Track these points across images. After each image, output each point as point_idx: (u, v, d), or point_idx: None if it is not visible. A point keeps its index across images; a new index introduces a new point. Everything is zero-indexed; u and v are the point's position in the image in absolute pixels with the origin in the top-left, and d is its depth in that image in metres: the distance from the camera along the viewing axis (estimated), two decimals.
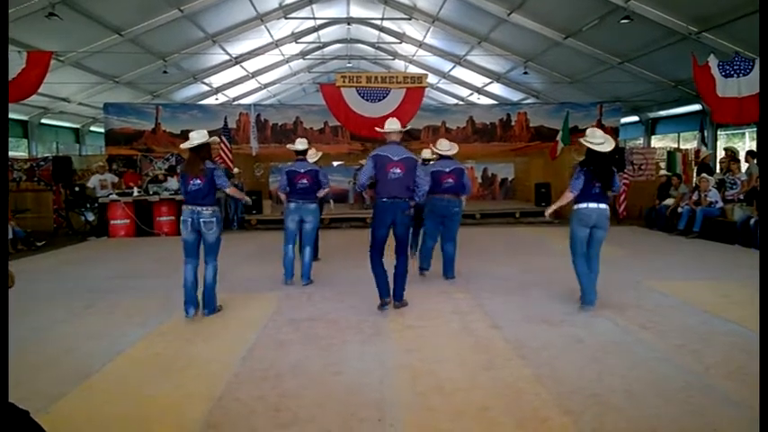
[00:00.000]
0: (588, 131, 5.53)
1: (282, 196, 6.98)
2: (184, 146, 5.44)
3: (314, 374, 3.89)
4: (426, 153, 8.53)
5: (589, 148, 5.36)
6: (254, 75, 22.08)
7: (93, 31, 12.86)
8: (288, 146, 7.40)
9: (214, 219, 5.31)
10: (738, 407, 3.32)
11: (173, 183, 12.78)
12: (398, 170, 5.32)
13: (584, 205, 5.41)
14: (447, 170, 6.84)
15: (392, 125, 5.55)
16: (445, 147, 7.14)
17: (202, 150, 5.40)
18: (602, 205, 5.40)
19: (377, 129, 5.75)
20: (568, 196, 5.47)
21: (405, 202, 5.41)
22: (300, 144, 7.03)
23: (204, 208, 5.26)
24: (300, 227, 6.83)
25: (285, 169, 6.89)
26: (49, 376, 3.89)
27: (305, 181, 6.74)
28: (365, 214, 13.42)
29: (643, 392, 3.52)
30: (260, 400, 3.48)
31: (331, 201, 6.89)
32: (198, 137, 5.37)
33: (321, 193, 6.98)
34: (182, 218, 5.32)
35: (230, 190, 5.88)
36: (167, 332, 4.94)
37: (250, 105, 17.64)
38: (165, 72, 16.86)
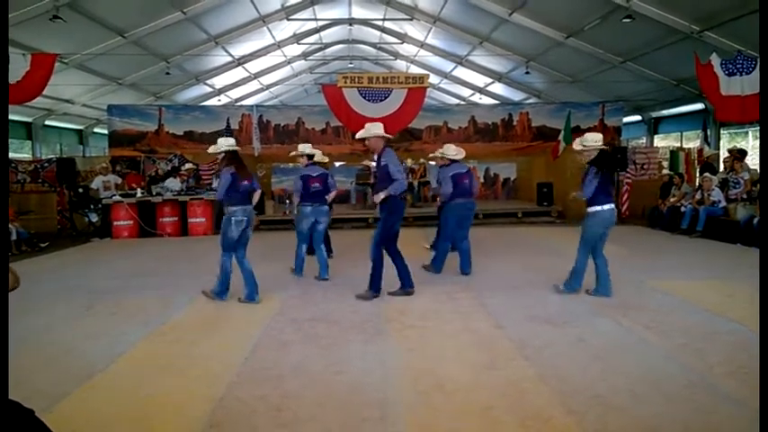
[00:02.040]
0: (580, 139, 5.96)
1: (296, 199, 7.32)
2: (231, 147, 5.95)
3: (315, 374, 3.89)
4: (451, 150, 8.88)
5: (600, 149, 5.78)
6: (257, 76, 22.12)
7: (96, 33, 12.90)
8: (299, 151, 7.46)
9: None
10: (740, 405, 3.31)
11: (174, 183, 12.81)
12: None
13: (607, 207, 5.77)
14: (464, 172, 7.22)
15: (375, 128, 5.92)
16: (452, 152, 7.31)
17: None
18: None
19: (359, 134, 6.05)
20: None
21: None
22: (309, 149, 7.34)
23: (251, 205, 5.95)
24: (313, 227, 7.12)
25: (300, 174, 7.18)
26: (52, 376, 3.91)
27: (317, 184, 7.04)
28: (367, 214, 13.43)
29: (646, 392, 3.52)
30: (261, 399, 3.49)
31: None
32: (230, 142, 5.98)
33: (330, 197, 7.24)
34: (236, 218, 5.78)
35: (258, 193, 6.20)
36: (169, 332, 4.96)
37: (252, 106, 17.65)
38: (167, 74, 16.89)
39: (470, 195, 7.27)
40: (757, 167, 11.81)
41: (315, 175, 7.10)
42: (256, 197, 6.08)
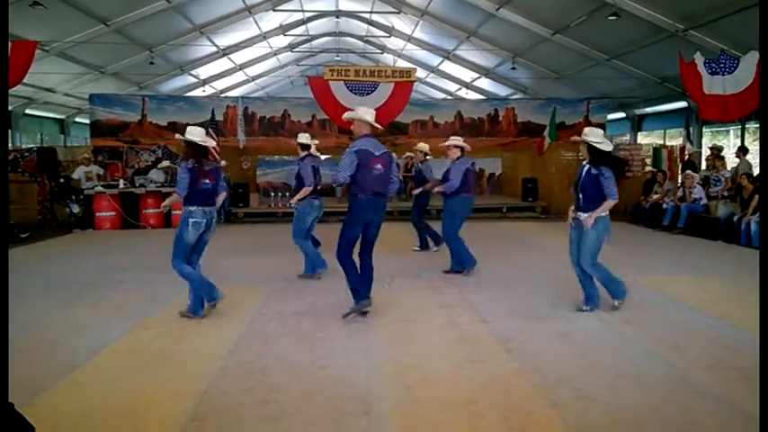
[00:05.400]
0: (588, 130, 5.23)
1: (308, 190, 6.65)
2: (202, 141, 5.15)
3: (301, 368, 3.90)
4: (424, 146, 9.00)
5: (598, 149, 5.05)
6: (242, 67, 21.94)
7: (78, 20, 12.68)
8: (292, 141, 7.28)
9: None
10: (718, 400, 3.38)
11: (158, 174, 12.67)
12: (380, 166, 5.01)
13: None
14: (470, 168, 7.06)
15: (367, 115, 5.15)
16: (467, 145, 7.17)
17: (206, 149, 5.27)
18: None
19: (345, 115, 5.37)
20: (611, 204, 5.12)
21: (385, 199, 5.17)
22: (307, 139, 6.97)
23: (214, 207, 5.20)
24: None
25: (311, 164, 6.75)
26: (34, 369, 3.85)
27: (319, 177, 6.76)
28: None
29: (626, 386, 3.57)
30: (247, 393, 3.48)
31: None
32: (200, 134, 5.16)
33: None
34: (193, 219, 4.99)
35: (223, 195, 5.39)
36: (153, 326, 4.91)
37: (237, 98, 17.54)
38: (151, 63, 16.67)
39: (471, 191, 7.17)
40: (735, 164, 12.00)
41: (318, 166, 6.85)
42: (220, 200, 5.33)
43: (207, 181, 5.07)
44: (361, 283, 5.07)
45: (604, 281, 5.26)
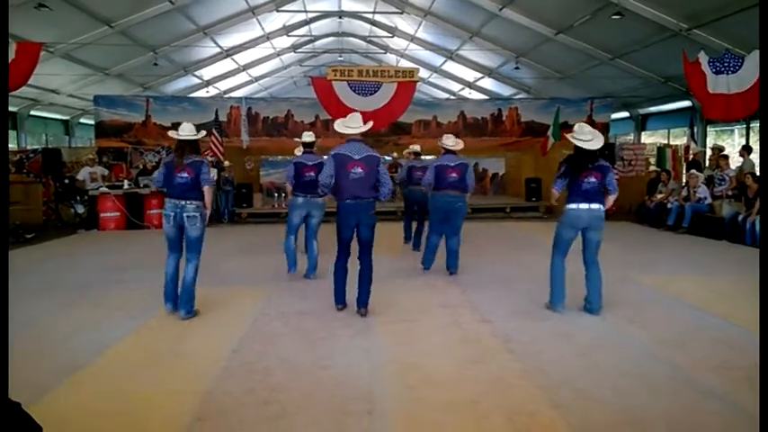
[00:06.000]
0: (576, 127, 5.25)
1: (289, 188, 6.79)
2: (178, 136, 5.21)
3: (303, 368, 3.90)
4: (416, 147, 9.39)
5: (576, 146, 5.09)
6: (246, 68, 21.96)
7: (83, 22, 12.74)
8: (295, 139, 7.37)
9: (198, 214, 5.05)
10: (722, 401, 3.36)
11: None
12: (360, 169, 5.06)
13: (573, 206, 5.10)
14: (451, 165, 6.80)
15: (350, 123, 5.32)
16: (451, 142, 7.02)
17: (193, 144, 5.26)
18: (595, 205, 5.06)
19: (336, 123, 5.56)
20: (553, 194, 5.40)
21: (369, 202, 5.17)
22: (308, 136, 6.92)
23: (188, 202, 5.02)
24: (305, 221, 6.72)
25: (294, 161, 6.73)
26: (37, 369, 3.87)
27: (312, 174, 6.51)
28: None
29: (630, 386, 3.56)
30: (249, 393, 3.48)
31: None
32: (189, 130, 5.23)
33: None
34: (164, 212, 5.08)
35: (207, 190, 5.17)
36: (156, 326, 4.93)
37: (241, 98, 17.58)
38: (155, 64, 16.73)
39: (458, 190, 6.82)
40: (739, 164, 11.95)
41: (310, 163, 6.59)
42: (208, 196, 5.14)
43: (184, 175, 5.03)
44: (338, 291, 5.37)
45: (550, 278, 5.38)
